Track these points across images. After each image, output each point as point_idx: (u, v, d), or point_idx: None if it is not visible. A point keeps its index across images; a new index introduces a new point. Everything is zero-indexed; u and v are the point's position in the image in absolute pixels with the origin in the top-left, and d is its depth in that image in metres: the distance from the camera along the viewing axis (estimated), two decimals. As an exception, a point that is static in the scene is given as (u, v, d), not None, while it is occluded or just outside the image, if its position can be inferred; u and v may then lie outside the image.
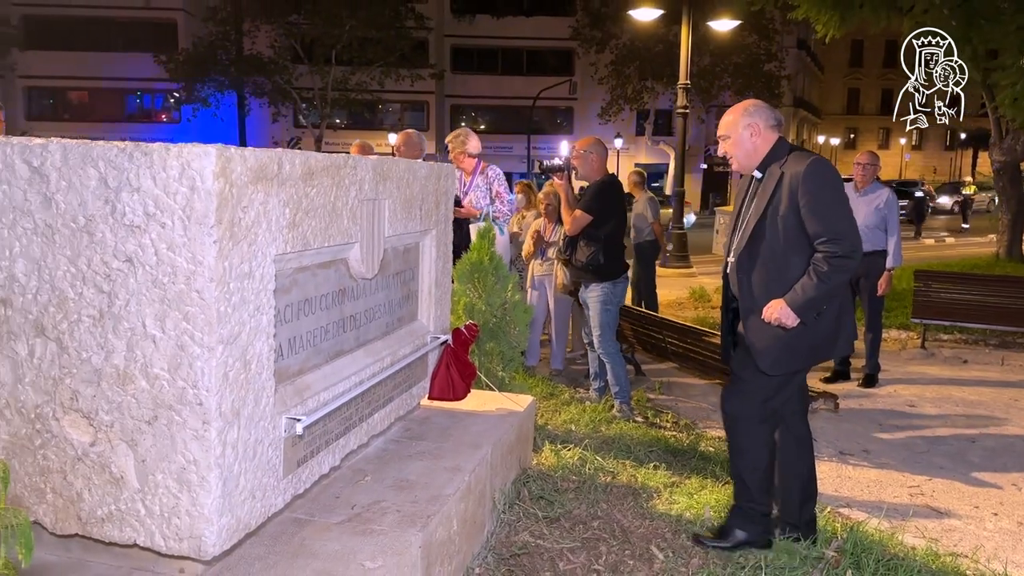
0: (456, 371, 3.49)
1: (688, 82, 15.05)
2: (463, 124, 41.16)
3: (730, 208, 10.73)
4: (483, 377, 4.00)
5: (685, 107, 15.25)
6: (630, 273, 6.25)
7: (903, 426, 5.58)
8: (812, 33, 17.40)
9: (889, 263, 6.41)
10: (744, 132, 3.13)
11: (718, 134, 3.33)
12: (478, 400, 3.73)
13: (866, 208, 6.45)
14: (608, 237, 5.29)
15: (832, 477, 4.56)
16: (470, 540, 2.87)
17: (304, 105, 32.70)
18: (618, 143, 37.93)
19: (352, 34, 29.53)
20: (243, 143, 29.25)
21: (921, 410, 6.00)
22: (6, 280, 2.08)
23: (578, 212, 5.24)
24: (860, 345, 7.33)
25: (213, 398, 1.97)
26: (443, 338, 3.46)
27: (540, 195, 7.17)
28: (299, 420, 2.29)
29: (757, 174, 3.15)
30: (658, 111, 38.55)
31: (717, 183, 42.05)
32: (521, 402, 3.79)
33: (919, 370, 7.28)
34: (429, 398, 3.50)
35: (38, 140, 2.05)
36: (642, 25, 23.26)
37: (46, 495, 2.11)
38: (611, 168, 6.06)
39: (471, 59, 39.34)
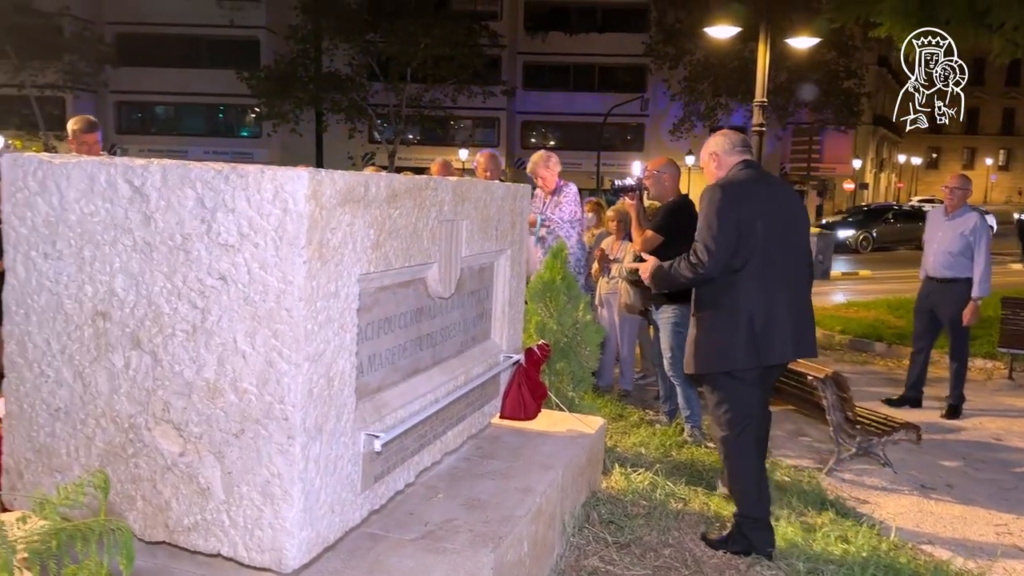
0: (528, 390, 3.50)
1: (765, 100, 14.80)
2: (533, 140, 41.39)
3: (811, 228, 10.50)
4: (553, 397, 3.99)
5: (762, 125, 14.99)
6: None
7: (989, 460, 5.35)
8: (894, 50, 16.93)
9: (974, 292, 6.16)
10: (710, 162, 3.65)
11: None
12: (548, 420, 3.73)
13: (951, 233, 6.23)
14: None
15: (913, 512, 4.40)
16: (540, 563, 2.87)
17: (379, 121, 33.38)
18: (690, 160, 37.52)
19: (427, 52, 30.04)
20: (319, 158, 30.07)
21: (1008, 443, 5.73)
22: (106, 294, 2.18)
23: (649, 232, 5.20)
24: (942, 373, 7.07)
25: (298, 414, 2.03)
26: (515, 358, 3.48)
27: (610, 212, 7.13)
28: (378, 437, 2.33)
29: None
30: (731, 127, 38.11)
31: (792, 202, 41.06)
32: (592, 424, 3.77)
33: (1006, 402, 6.96)
34: (500, 417, 3.52)
35: (139, 161, 2.16)
36: (717, 41, 23.01)
37: (136, 502, 2.20)
38: (682, 186, 6.00)
39: (543, 75, 39.55)
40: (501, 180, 7.16)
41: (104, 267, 2.17)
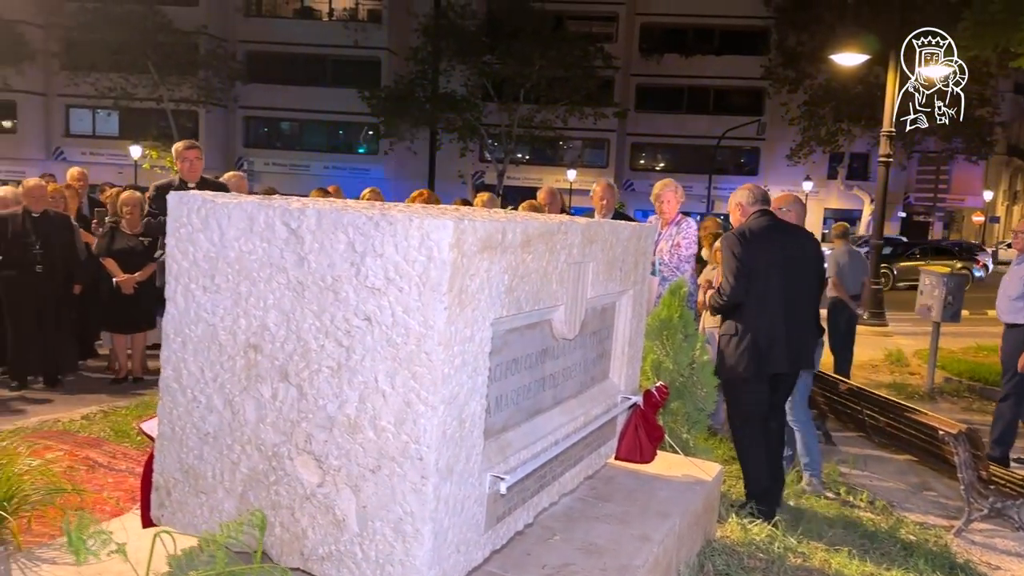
0: (644, 433, 3.47)
1: (893, 129, 14.20)
2: (642, 162, 41.06)
3: (938, 267, 9.99)
4: (668, 438, 3.94)
5: (888, 155, 14.39)
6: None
7: None
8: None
9: None
10: (736, 210, 4.59)
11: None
12: (664, 463, 3.68)
13: (1015, 277, 6.14)
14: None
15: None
16: (655, 613, 2.83)
17: (490, 141, 33.94)
18: (807, 186, 36.41)
19: (541, 74, 30.38)
20: (432, 177, 30.79)
21: None
22: (259, 328, 2.31)
23: None
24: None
25: (432, 454, 2.08)
26: (634, 400, 3.46)
27: (717, 243, 6.98)
28: (503, 479, 2.37)
29: None
30: (853, 154, 36.69)
31: (917, 232, 39.18)
32: (709, 470, 3.70)
33: None
34: (615, 458, 3.50)
35: (296, 204, 2.28)
36: (841, 66, 22.30)
37: (275, 528, 2.31)
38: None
39: (656, 97, 39.22)
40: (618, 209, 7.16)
41: (258, 302, 2.30)
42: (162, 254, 6.55)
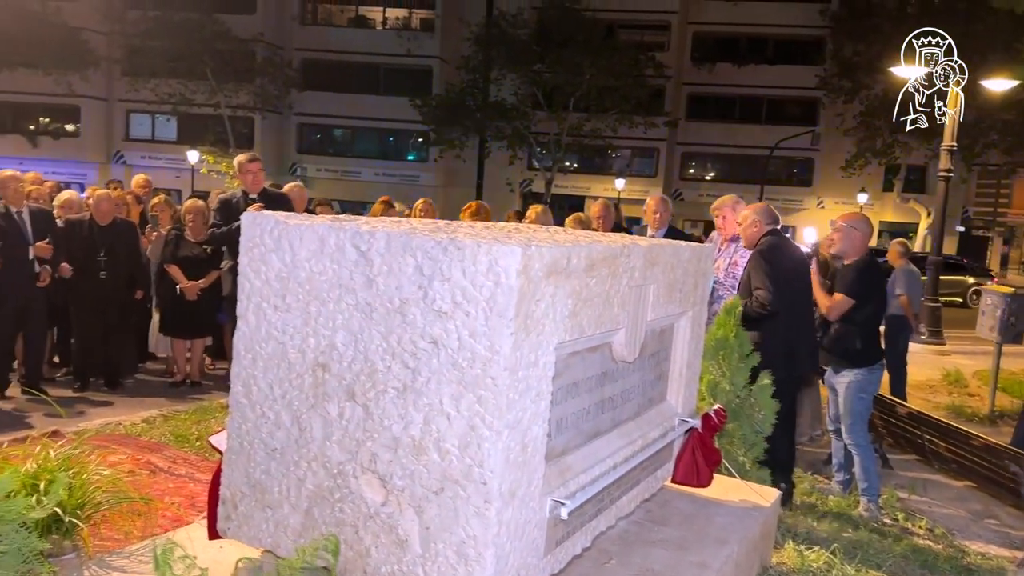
0: (702, 456, 3.44)
1: (954, 143, 13.85)
2: (692, 171, 40.65)
3: (1001, 287, 9.70)
4: (724, 460, 3.90)
5: (949, 170, 14.04)
6: None
7: None
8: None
9: None
10: (751, 226, 5.04)
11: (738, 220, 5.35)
12: (720, 487, 3.64)
13: None
14: (866, 321, 4.99)
15: None
16: (712, 641, 2.80)
17: (539, 149, 33.99)
18: (862, 198, 35.71)
19: (592, 83, 30.34)
20: (480, 185, 30.96)
21: None
22: (327, 347, 2.35)
23: (839, 296, 5.00)
24: None
25: (496, 479, 2.10)
26: (692, 423, 3.43)
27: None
28: (564, 504, 2.37)
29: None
30: (910, 166, 35.85)
31: (975, 248, 38.09)
32: (766, 495, 3.65)
33: None
34: (672, 481, 3.47)
35: (366, 227, 2.32)
36: (898, 76, 21.83)
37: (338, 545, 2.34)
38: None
39: (707, 107, 38.81)
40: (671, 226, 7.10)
41: (327, 322, 2.35)
42: (229, 263, 6.72)
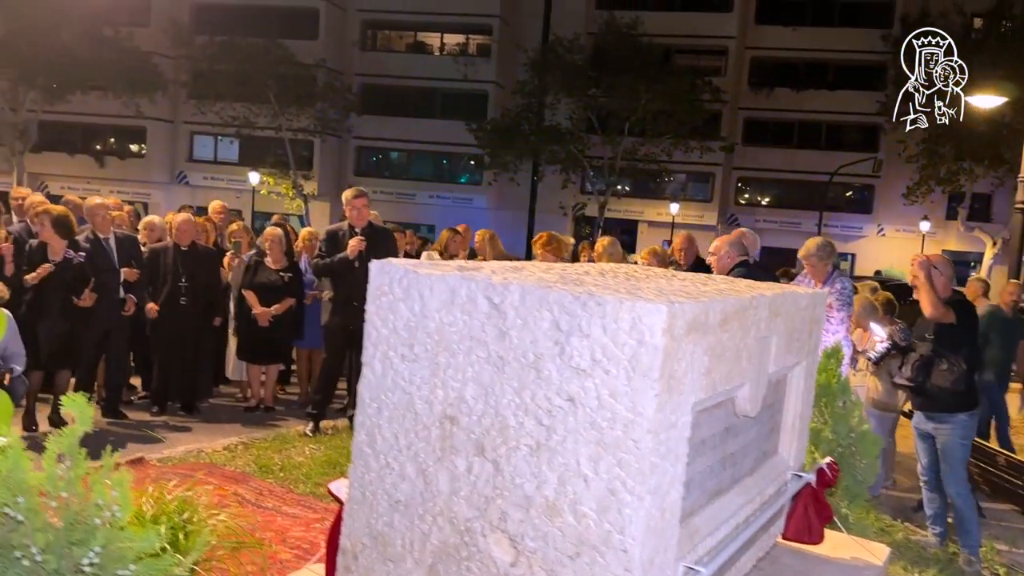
0: (814, 512, 3.30)
1: (1031, 173, 13.41)
2: (746, 196, 40.12)
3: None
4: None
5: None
6: None
7: None
8: None
9: None
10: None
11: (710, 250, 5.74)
12: (830, 544, 3.49)
13: None
14: (969, 362, 4.79)
15: None
16: None
17: (591, 173, 33.95)
18: (924, 226, 34.90)
19: (647, 107, 30.26)
20: (533, 208, 30.97)
21: None
22: (456, 400, 2.30)
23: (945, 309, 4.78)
24: None
25: (637, 547, 2.01)
26: (806, 477, 3.30)
27: (856, 307, 6.67)
28: (698, 572, 2.27)
29: None
30: (975, 194, 34.87)
31: (1044, 280, 36.70)
32: (878, 553, 3.49)
33: None
34: (784, 537, 3.34)
35: (499, 279, 2.27)
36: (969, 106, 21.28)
37: (465, 603, 2.28)
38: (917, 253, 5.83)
39: (764, 131, 38.38)
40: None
41: (456, 374, 2.30)
42: (329, 294, 6.79)
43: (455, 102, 35.51)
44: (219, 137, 35.55)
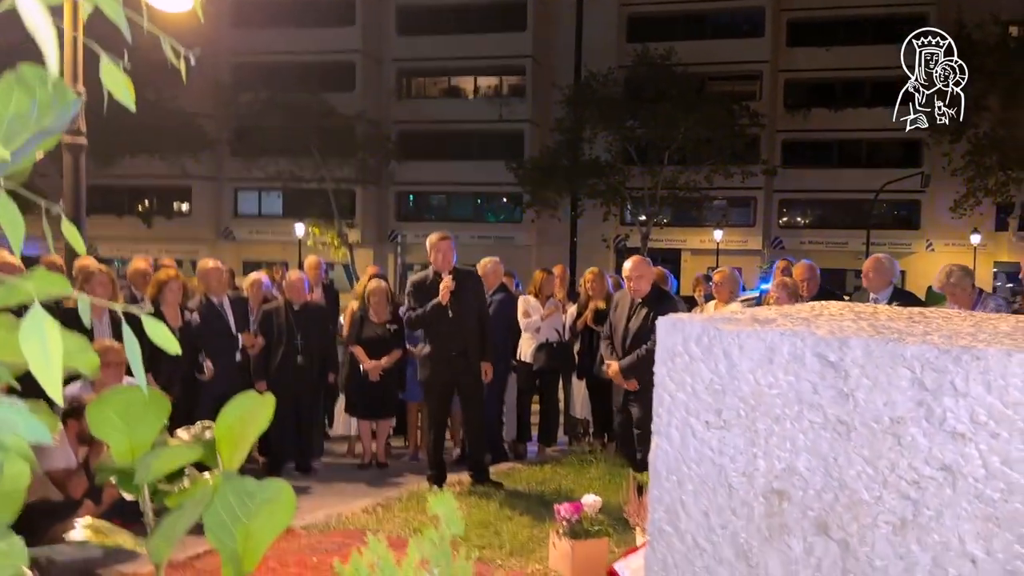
0: None
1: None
2: (787, 218, 39.62)
3: None
4: None
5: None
6: None
7: None
8: None
9: None
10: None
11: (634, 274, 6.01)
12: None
13: None
14: None
15: None
16: None
17: (629, 205, 33.78)
18: (975, 239, 34.17)
19: (687, 136, 30.13)
20: (573, 242, 30.77)
21: None
22: (784, 472, 2.06)
23: None
24: None
25: (1055, 638, 1.74)
26: None
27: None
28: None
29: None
30: (1025, 204, 34.20)
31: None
32: None
33: None
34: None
35: (832, 336, 2.03)
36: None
37: None
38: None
39: (803, 153, 37.98)
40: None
41: (783, 443, 2.05)
42: (426, 348, 6.49)
43: (492, 142, 35.68)
44: (262, 191, 36.00)
